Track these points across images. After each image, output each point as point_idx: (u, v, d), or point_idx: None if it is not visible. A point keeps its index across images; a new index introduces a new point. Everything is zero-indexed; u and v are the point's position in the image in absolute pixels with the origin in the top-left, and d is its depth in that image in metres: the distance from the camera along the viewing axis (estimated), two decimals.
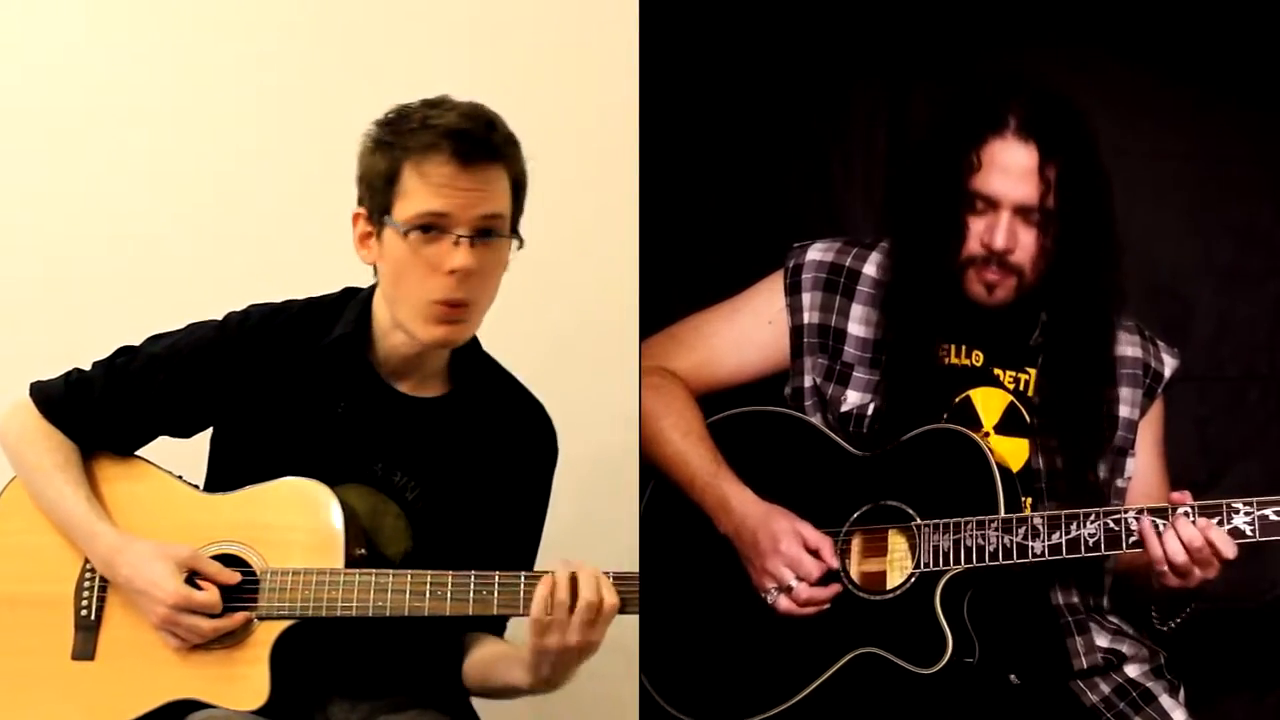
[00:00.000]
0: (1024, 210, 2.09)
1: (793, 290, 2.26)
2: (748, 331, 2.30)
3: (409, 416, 2.08)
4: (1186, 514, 1.99)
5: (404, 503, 2.08)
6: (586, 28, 2.69)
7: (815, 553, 2.12)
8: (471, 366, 2.12)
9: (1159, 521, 2.00)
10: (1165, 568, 1.99)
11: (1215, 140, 2.61)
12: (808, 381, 2.25)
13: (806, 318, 2.25)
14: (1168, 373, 2.26)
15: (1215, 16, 2.54)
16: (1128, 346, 2.23)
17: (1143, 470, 2.24)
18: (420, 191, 1.95)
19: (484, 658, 2.07)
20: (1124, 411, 2.21)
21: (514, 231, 2.02)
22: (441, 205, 1.95)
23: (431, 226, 1.96)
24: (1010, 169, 2.08)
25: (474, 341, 2.12)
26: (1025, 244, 2.10)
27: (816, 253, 2.27)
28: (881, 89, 2.66)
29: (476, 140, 1.95)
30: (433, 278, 1.97)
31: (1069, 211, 2.09)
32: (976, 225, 2.11)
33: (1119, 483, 2.21)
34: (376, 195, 1.99)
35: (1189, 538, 1.97)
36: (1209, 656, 2.45)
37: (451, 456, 2.09)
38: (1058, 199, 2.08)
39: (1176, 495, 2.02)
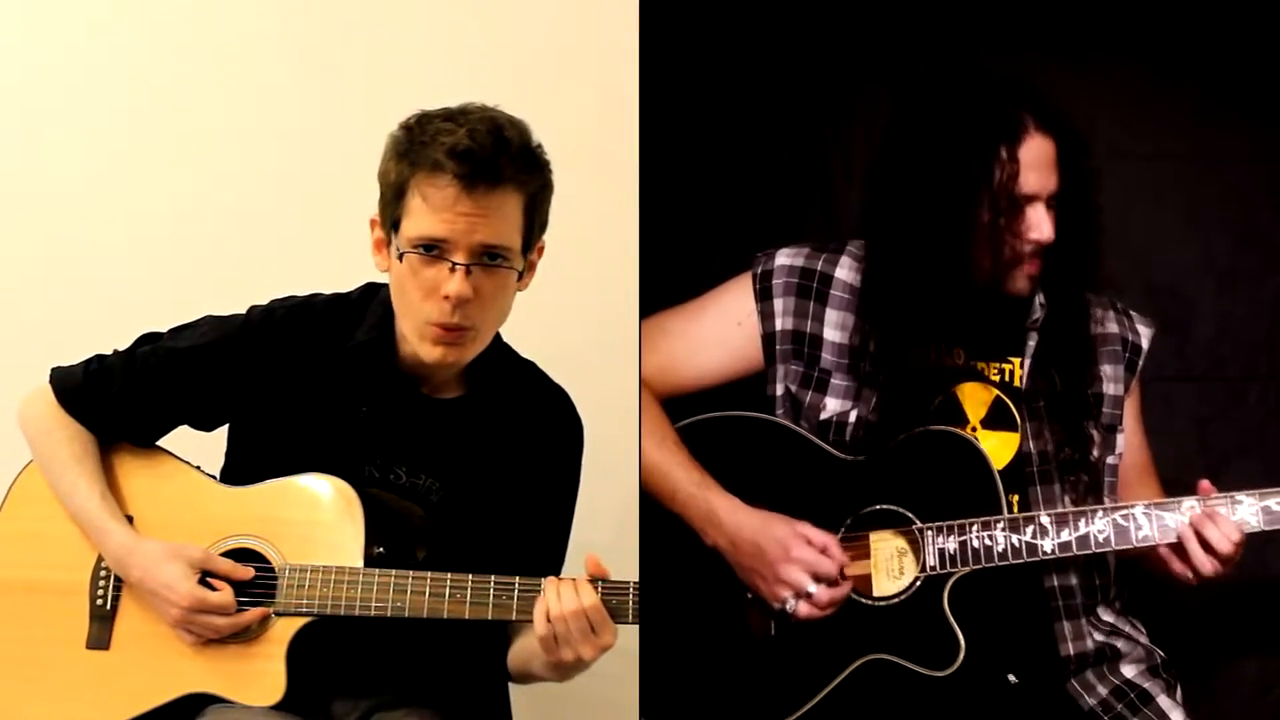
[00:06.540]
0: (1049, 200, 2.10)
1: (763, 296, 2.21)
2: (714, 333, 2.24)
3: (432, 418, 2.07)
4: (1210, 514, 2.03)
5: (427, 505, 2.07)
6: (586, 35, 2.70)
7: (823, 551, 2.08)
8: (491, 364, 2.08)
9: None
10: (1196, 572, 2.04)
11: (1215, 140, 2.61)
12: (779, 390, 2.22)
13: (779, 324, 2.21)
14: (1145, 344, 2.27)
15: (1215, 17, 2.54)
16: (1105, 323, 2.24)
17: (1130, 445, 2.26)
18: (421, 213, 1.93)
19: (525, 646, 2.03)
20: (1109, 389, 2.22)
21: (526, 250, 1.99)
22: (441, 230, 1.92)
23: (432, 247, 1.94)
24: (1038, 164, 2.08)
25: (495, 336, 2.08)
26: (1049, 232, 2.11)
27: (785, 258, 2.22)
28: (883, 92, 2.65)
29: (481, 163, 1.90)
30: (430, 300, 1.95)
31: (1076, 196, 2.11)
32: (1019, 225, 2.09)
33: (1110, 459, 2.22)
34: (389, 206, 1.98)
35: (1219, 545, 2.02)
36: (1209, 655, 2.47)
37: (475, 457, 2.07)
38: (1068, 185, 2.10)
39: (1204, 484, 2.06)
